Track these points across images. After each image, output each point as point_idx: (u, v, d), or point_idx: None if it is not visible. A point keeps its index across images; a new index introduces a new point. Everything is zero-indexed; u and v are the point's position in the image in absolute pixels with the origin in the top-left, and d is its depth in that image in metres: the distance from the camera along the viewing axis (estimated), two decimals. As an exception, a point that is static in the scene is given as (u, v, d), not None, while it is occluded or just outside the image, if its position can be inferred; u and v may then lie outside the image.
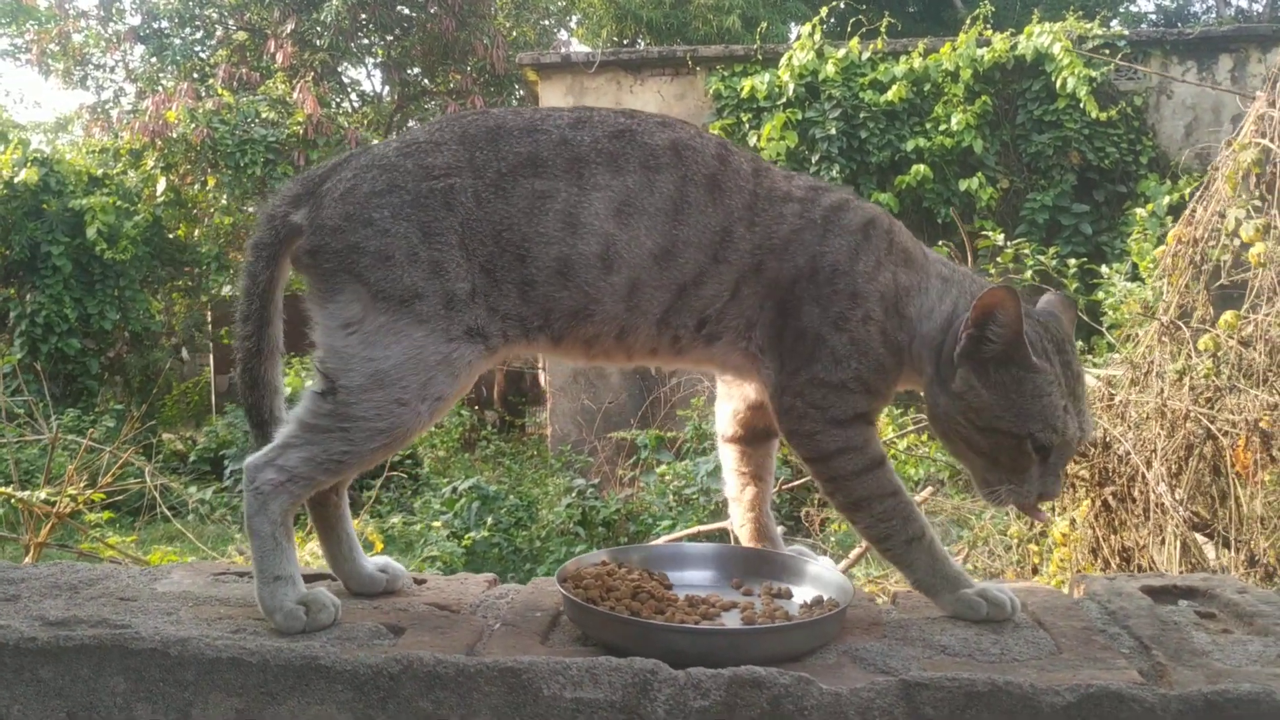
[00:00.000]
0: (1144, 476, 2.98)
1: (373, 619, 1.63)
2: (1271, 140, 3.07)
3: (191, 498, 7.97)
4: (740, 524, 1.95)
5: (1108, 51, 9.24)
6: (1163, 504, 2.89)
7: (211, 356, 16.90)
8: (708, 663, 1.37)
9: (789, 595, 1.71)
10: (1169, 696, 1.29)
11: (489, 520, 7.21)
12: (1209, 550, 3.10)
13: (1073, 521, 3.33)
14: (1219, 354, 3.01)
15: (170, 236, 13.10)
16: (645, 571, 1.74)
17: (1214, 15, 22.59)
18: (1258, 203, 3.10)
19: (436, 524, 7.05)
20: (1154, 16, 23.08)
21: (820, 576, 1.71)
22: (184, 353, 15.93)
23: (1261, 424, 2.83)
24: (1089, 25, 9.55)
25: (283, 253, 1.71)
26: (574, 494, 8.21)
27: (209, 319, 15.26)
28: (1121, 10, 19.65)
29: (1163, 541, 2.89)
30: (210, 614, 1.65)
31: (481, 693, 1.37)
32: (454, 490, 7.82)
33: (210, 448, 10.99)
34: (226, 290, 14.91)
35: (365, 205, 1.61)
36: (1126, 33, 9.93)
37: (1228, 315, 3.00)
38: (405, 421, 1.59)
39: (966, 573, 1.72)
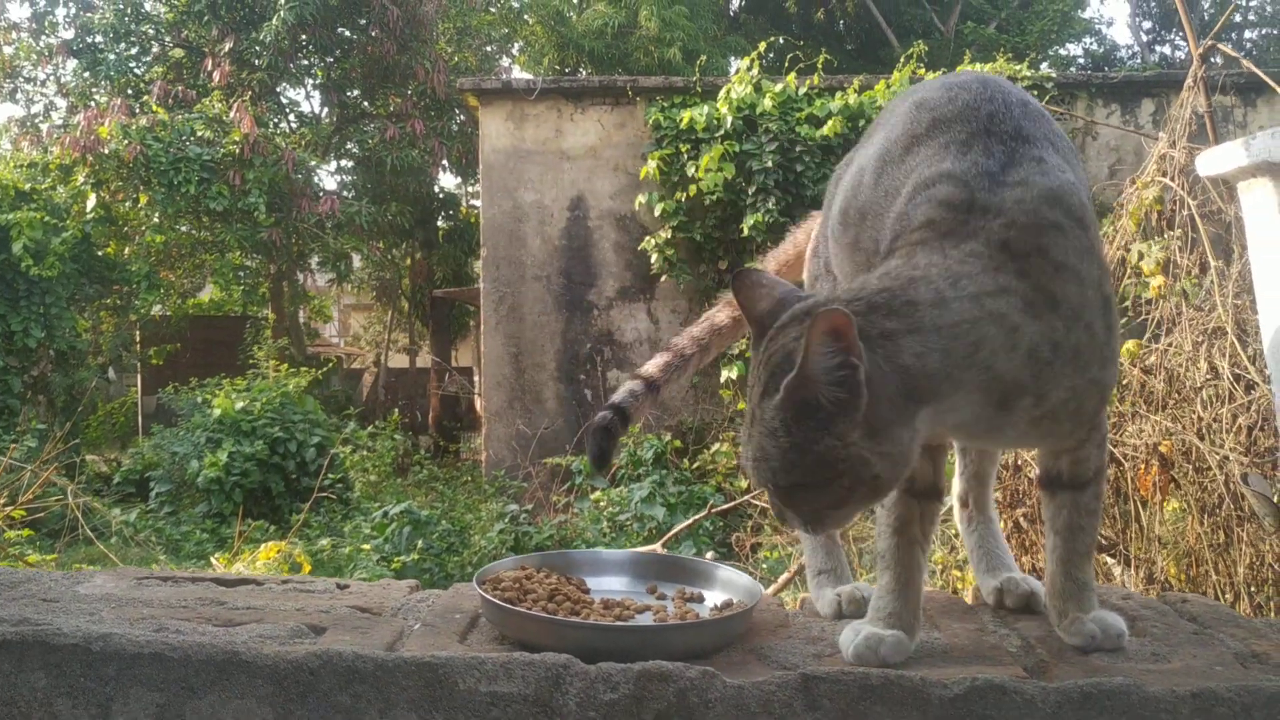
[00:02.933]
0: (1052, 498, 3.10)
1: (295, 619, 1.67)
2: (1171, 179, 3.24)
3: (115, 519, 7.84)
4: None
5: (1036, 93, 9.54)
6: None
7: (139, 377, 16.63)
8: (619, 659, 1.43)
9: (701, 599, 1.78)
10: (1049, 689, 1.38)
11: (420, 544, 7.19)
12: (1116, 570, 3.23)
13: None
14: (1122, 382, 3.16)
15: (99, 254, 12.90)
16: (563, 576, 1.79)
17: (1139, 61, 23.40)
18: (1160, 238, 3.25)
19: (366, 547, 7.02)
20: (1082, 60, 23.85)
21: (731, 580, 1.78)
22: (110, 373, 15.66)
23: (1161, 449, 2.97)
24: (1018, 67, 9.85)
25: None
26: (507, 519, 8.21)
27: (137, 339, 15.03)
28: (1051, 53, 20.26)
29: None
30: (133, 614, 1.68)
31: (399, 686, 1.42)
32: (385, 514, 7.78)
33: (135, 470, 10.79)
34: (156, 310, 14.71)
35: None
36: (1054, 75, 10.26)
37: (1129, 344, 3.15)
38: None
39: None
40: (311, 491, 8.23)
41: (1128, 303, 3.37)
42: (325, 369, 13.18)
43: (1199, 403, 2.97)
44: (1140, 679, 1.40)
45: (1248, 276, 2.97)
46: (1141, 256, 3.21)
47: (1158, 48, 24.85)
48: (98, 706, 1.44)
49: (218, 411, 10.18)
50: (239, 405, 10.20)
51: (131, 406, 16.47)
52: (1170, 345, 3.09)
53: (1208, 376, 2.99)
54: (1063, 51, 22.17)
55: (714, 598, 1.77)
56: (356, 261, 16.59)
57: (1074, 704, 1.37)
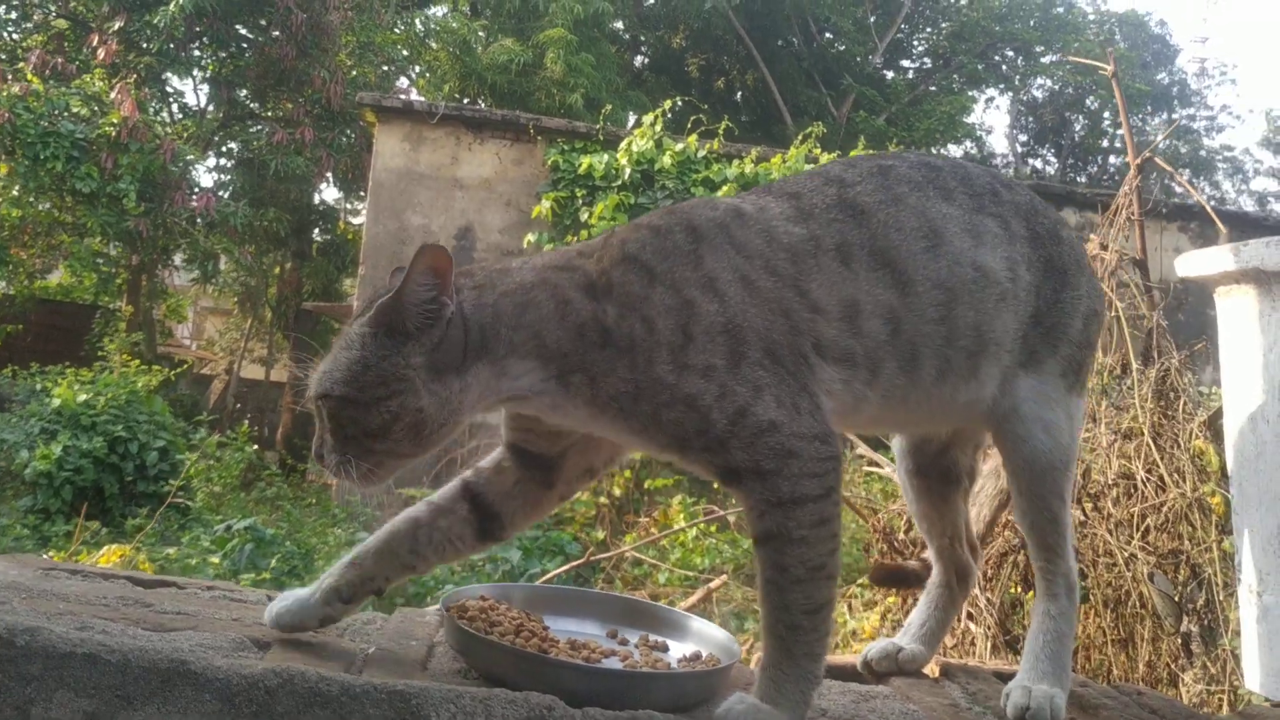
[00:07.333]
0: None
1: (234, 630, 1.52)
2: (1103, 279, 3.36)
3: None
4: None
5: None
6: (978, 604, 3.05)
7: (-18, 355, 15.55)
8: (601, 703, 1.34)
9: (665, 648, 1.70)
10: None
11: (272, 564, 6.85)
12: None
13: (883, 616, 3.45)
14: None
15: (-52, 221, 12.08)
16: (524, 612, 1.69)
17: (1013, 171, 24.65)
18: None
19: (215, 559, 6.64)
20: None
21: (704, 633, 1.71)
22: (-56, 348, 14.60)
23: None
24: (909, 159, 10.20)
25: None
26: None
27: (-17, 314, 14.08)
28: (934, 151, 21.11)
29: (972, 643, 3.04)
30: (48, 608, 1.50)
31: (365, 715, 1.29)
32: (228, 528, 7.40)
33: (-37, 453, 10.02)
34: (0, 286, 13.82)
35: None
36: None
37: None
38: None
39: None
40: (147, 496, 7.77)
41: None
42: (179, 370, 12.56)
43: (1109, 500, 3.05)
44: (1126, 768, 1.39)
45: (1169, 379, 3.08)
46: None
47: (1031, 160, 26.23)
48: (14, 708, 1.27)
49: (57, 401, 9.55)
50: (81, 397, 9.60)
51: (-35, 386, 15.35)
52: (1087, 440, 3.18)
53: (1118, 475, 3.07)
54: (944, 151, 23.15)
55: (680, 648, 1.69)
56: (224, 264, 15.95)
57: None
